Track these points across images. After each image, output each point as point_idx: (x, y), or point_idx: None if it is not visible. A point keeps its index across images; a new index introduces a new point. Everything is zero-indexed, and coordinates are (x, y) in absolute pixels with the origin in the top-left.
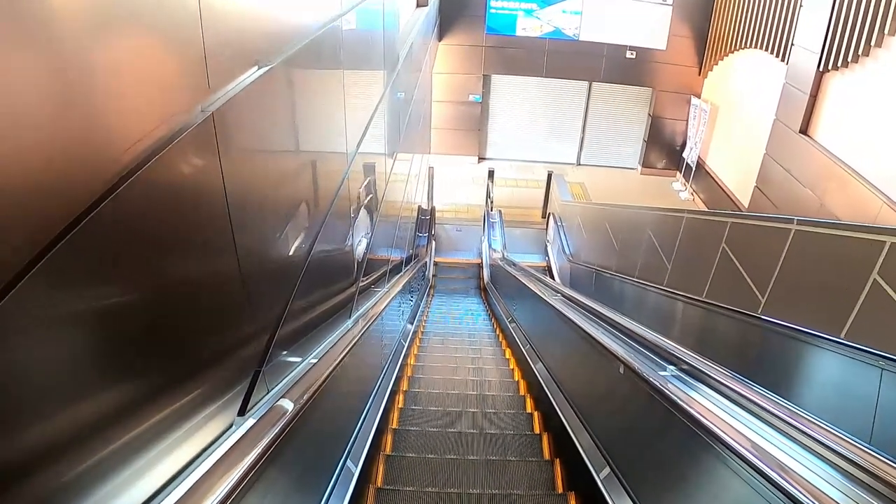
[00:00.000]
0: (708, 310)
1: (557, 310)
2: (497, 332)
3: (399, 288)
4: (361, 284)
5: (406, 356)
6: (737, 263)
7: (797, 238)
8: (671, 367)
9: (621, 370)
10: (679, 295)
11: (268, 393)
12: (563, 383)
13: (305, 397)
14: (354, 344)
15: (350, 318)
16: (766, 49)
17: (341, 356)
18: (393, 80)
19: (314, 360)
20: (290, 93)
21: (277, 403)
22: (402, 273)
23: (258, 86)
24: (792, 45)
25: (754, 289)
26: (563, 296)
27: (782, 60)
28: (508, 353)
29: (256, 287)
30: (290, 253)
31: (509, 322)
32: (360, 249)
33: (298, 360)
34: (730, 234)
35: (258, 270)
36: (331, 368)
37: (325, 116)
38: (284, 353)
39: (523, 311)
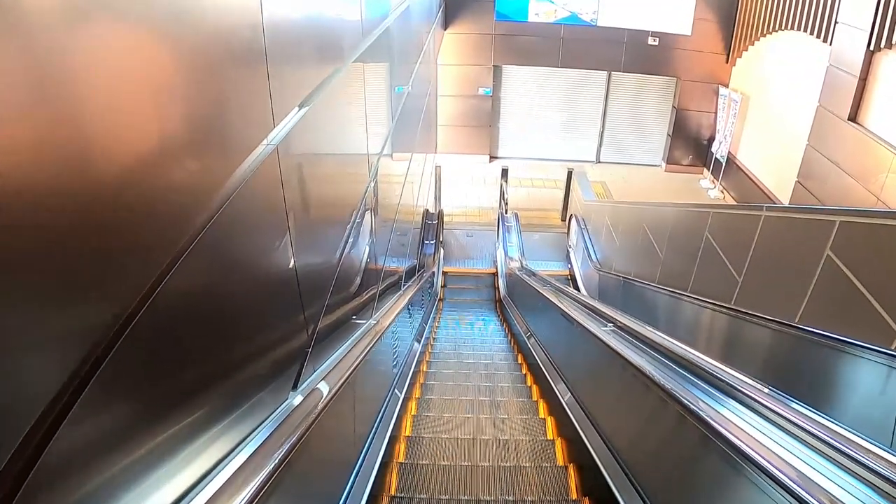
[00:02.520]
0: (807, 339)
1: (625, 360)
2: (521, 365)
3: (394, 317)
4: (325, 325)
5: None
6: (853, 279)
7: None
8: None
9: None
10: (758, 318)
11: None
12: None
13: None
14: (285, 461)
15: (296, 389)
16: (805, 30)
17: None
18: (356, 57)
19: None
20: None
21: None
22: (401, 291)
23: None
24: (836, 23)
25: (884, 315)
26: (619, 327)
27: (824, 41)
28: (536, 390)
29: None
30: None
31: (541, 358)
32: (320, 268)
33: None
34: (839, 237)
35: None
36: None
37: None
38: None
39: (556, 344)
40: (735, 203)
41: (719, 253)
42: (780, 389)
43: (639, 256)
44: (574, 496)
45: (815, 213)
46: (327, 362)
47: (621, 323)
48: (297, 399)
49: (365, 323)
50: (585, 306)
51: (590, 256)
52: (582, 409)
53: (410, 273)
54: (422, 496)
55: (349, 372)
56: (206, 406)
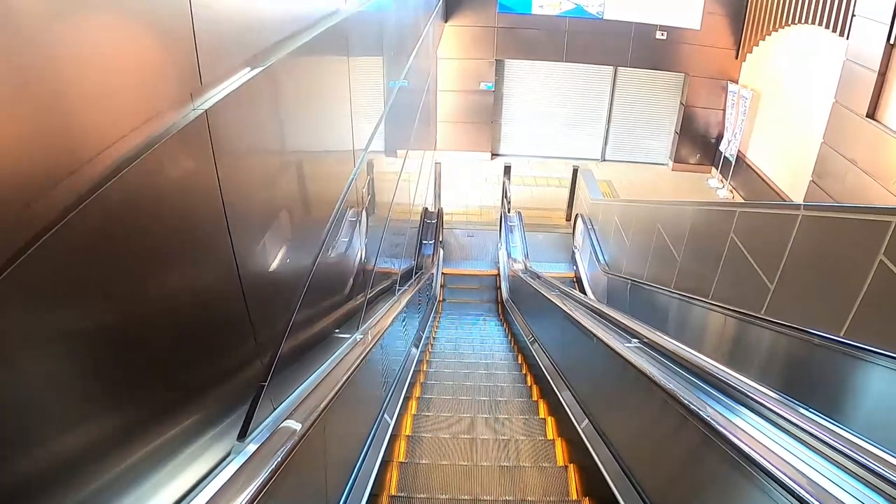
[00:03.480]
0: (851, 355)
1: (667, 393)
2: (522, 366)
3: (386, 327)
4: (295, 345)
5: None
6: None
7: None
8: None
9: None
10: (789, 328)
11: None
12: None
13: None
14: None
15: (244, 439)
16: (820, 23)
17: None
18: (337, 22)
19: None
20: None
21: None
22: (396, 297)
23: None
24: (853, 15)
25: None
26: (646, 343)
27: (840, 35)
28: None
29: None
30: None
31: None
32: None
33: None
34: (895, 240)
35: None
36: None
37: None
38: None
39: (566, 359)
40: (766, 201)
41: (747, 257)
42: (816, 407)
43: (652, 259)
44: None
45: (865, 212)
46: (293, 395)
47: (648, 339)
48: (249, 448)
49: (349, 337)
50: (601, 315)
51: (597, 258)
52: (605, 442)
53: (407, 276)
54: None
55: (320, 409)
56: (107, 471)
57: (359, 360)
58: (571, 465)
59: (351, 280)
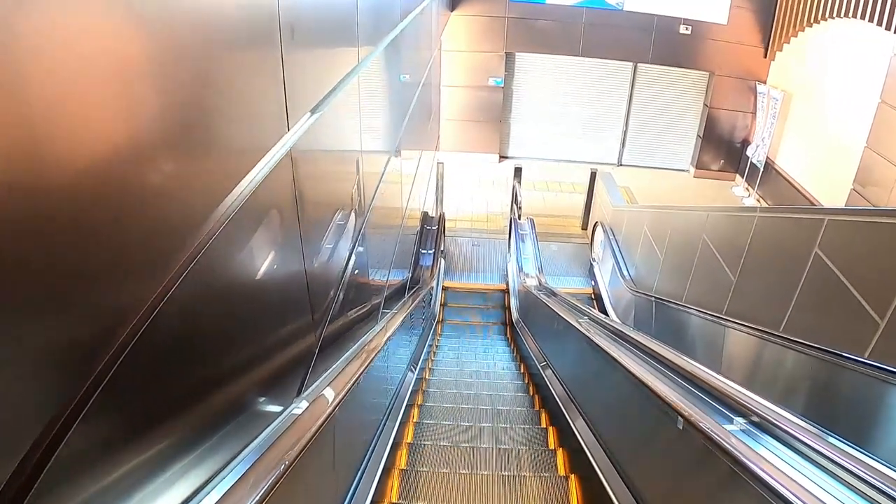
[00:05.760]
0: None
1: None
2: (542, 416)
3: (349, 383)
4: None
5: None
6: None
7: None
8: None
9: None
10: None
11: None
12: None
13: None
14: None
15: None
16: (862, 17)
17: None
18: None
19: None
20: None
21: None
22: (379, 325)
23: None
24: None
25: None
26: (760, 425)
27: (887, 28)
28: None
29: None
30: None
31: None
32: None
33: None
34: None
35: None
36: None
37: None
38: None
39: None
40: (870, 208)
41: (842, 280)
42: None
43: (695, 277)
44: None
45: None
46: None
47: (764, 417)
48: None
49: (281, 411)
50: (663, 362)
51: (621, 273)
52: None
53: (397, 294)
54: None
55: None
56: None
57: (290, 462)
58: None
59: (296, 313)
